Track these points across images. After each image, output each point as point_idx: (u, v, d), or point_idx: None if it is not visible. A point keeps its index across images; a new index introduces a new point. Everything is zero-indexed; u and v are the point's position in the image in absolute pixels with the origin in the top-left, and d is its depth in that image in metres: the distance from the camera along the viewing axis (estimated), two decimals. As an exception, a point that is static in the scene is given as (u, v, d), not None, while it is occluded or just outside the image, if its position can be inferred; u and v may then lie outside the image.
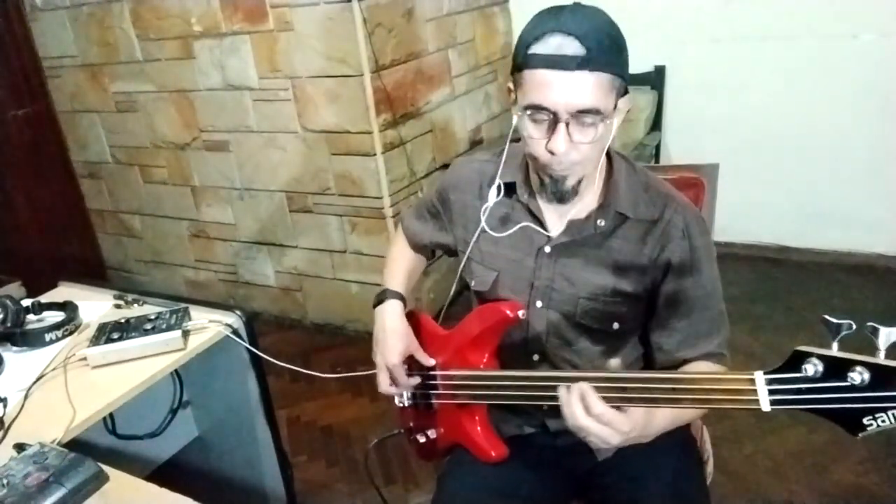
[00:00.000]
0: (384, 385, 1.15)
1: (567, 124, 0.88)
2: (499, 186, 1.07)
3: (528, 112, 0.91)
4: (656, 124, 3.04)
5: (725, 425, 2.02)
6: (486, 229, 1.08)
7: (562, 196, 0.98)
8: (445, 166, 2.75)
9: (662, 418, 0.91)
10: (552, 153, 0.91)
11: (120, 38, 2.81)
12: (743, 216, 2.95)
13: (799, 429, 1.98)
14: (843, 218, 2.91)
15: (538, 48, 0.86)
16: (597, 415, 0.82)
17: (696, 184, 1.24)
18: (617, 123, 0.94)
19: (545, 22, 0.87)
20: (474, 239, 1.11)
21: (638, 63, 3.03)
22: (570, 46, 0.84)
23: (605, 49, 0.85)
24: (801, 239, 3.02)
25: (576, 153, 0.91)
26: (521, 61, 0.89)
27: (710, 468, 1.22)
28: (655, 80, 3.02)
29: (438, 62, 2.75)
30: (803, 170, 2.91)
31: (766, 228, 3.08)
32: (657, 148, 3.03)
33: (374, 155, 2.46)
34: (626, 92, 0.93)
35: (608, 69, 0.86)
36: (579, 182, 0.97)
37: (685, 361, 1.02)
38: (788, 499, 1.80)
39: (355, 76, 2.36)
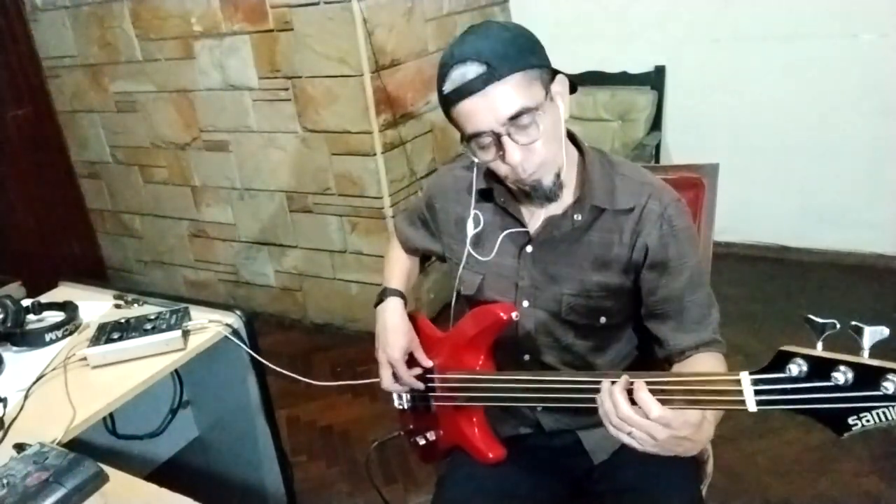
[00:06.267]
0: (387, 381, 1.17)
1: (509, 135, 0.90)
2: (475, 217, 1.09)
3: (472, 142, 0.94)
4: (656, 124, 3.03)
5: (725, 425, 2.00)
6: (472, 253, 1.10)
7: (548, 196, 0.99)
8: (445, 166, 2.74)
9: (712, 423, 0.86)
10: (512, 166, 0.93)
11: (120, 38, 2.81)
12: (743, 216, 2.95)
13: (798, 428, 1.98)
14: (843, 218, 2.91)
15: (447, 86, 0.91)
16: (641, 399, 0.78)
17: (696, 184, 1.24)
18: (563, 105, 0.96)
19: (443, 63, 0.92)
20: (461, 266, 1.12)
21: (638, 63, 3.03)
22: (470, 70, 0.88)
23: (504, 54, 0.88)
24: (801, 239, 3.02)
25: (534, 155, 0.93)
26: (444, 105, 0.94)
27: (709, 468, 1.22)
28: (655, 79, 3.01)
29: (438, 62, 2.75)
30: (803, 170, 2.90)
31: (766, 228, 3.08)
32: (657, 148, 3.02)
33: (374, 155, 2.46)
34: (555, 74, 0.95)
35: (516, 69, 0.88)
36: (557, 176, 0.98)
37: (684, 351, 1.01)
38: (788, 499, 1.80)
39: (355, 76, 2.36)
